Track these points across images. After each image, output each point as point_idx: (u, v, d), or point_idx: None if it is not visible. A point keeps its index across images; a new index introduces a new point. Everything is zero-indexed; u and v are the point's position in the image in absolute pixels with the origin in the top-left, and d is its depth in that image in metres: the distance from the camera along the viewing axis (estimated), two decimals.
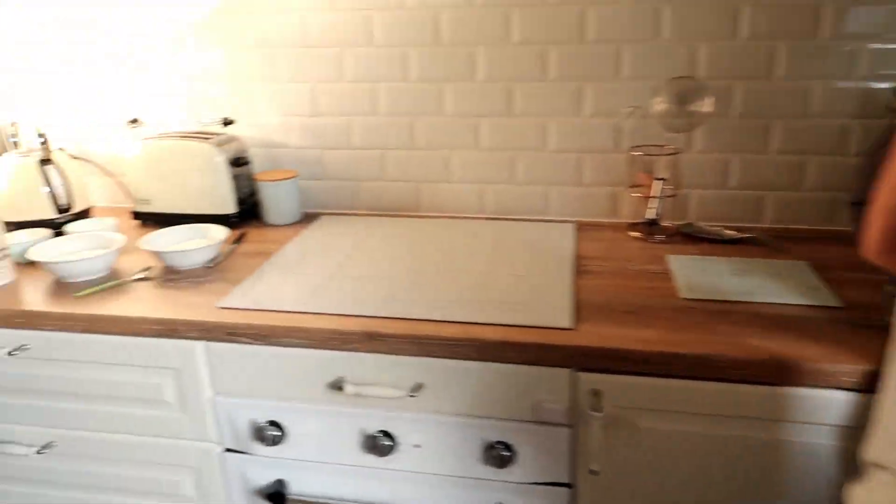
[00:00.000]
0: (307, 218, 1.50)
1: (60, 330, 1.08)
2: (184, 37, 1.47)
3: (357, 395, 1.01)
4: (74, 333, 1.08)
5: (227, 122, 1.45)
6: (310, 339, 1.01)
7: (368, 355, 1.00)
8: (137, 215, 1.47)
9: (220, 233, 1.27)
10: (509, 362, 0.96)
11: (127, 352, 1.08)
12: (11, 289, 1.15)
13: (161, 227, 1.30)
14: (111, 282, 1.15)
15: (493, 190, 1.47)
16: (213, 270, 1.21)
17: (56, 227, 1.40)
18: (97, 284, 1.15)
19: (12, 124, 1.44)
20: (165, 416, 1.11)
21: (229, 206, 1.43)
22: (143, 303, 1.09)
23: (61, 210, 1.40)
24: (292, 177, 1.45)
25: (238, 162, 1.44)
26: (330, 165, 1.52)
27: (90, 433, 1.16)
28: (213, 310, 1.06)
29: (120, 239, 1.23)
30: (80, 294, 1.12)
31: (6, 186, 1.39)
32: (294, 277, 1.16)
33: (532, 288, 1.09)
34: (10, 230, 1.33)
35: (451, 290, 1.10)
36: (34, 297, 1.12)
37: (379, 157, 1.49)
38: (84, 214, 1.46)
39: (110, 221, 1.37)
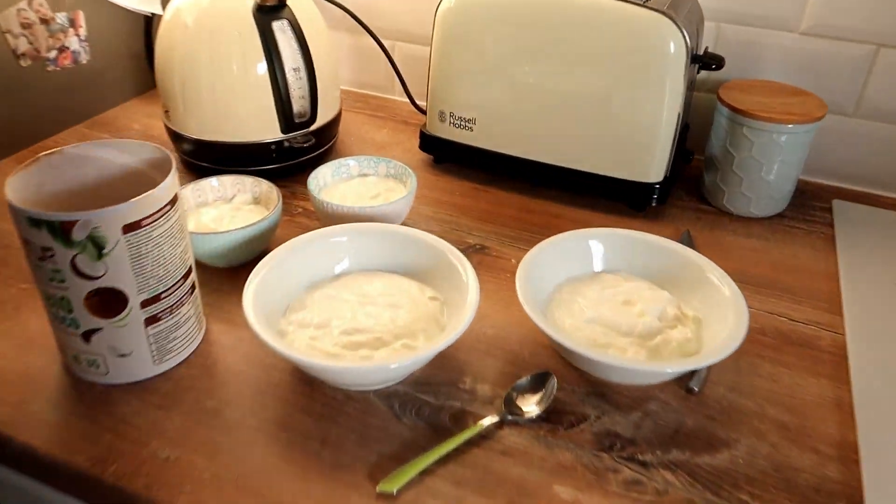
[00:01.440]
0: (796, 200, 0.66)
1: None
2: None
3: None
4: None
5: None
6: None
7: None
8: (428, 143, 0.68)
9: (724, 295, 0.47)
10: None
11: None
12: (202, 379, 0.43)
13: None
14: (468, 432, 0.40)
15: None
16: (703, 412, 0.43)
17: (279, 163, 0.65)
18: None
19: None
20: None
21: (659, 168, 0.61)
22: None
23: (295, 123, 0.64)
24: (819, 116, 0.59)
25: (702, 60, 0.59)
26: (886, 90, 0.64)
27: None
28: None
29: (468, 279, 0.46)
30: (386, 487, 0.37)
31: (189, 66, 0.63)
32: None
33: None
34: (196, 173, 0.60)
35: None
36: (259, 457, 0.39)
37: None
38: (331, 132, 0.70)
39: (404, 175, 0.60)
